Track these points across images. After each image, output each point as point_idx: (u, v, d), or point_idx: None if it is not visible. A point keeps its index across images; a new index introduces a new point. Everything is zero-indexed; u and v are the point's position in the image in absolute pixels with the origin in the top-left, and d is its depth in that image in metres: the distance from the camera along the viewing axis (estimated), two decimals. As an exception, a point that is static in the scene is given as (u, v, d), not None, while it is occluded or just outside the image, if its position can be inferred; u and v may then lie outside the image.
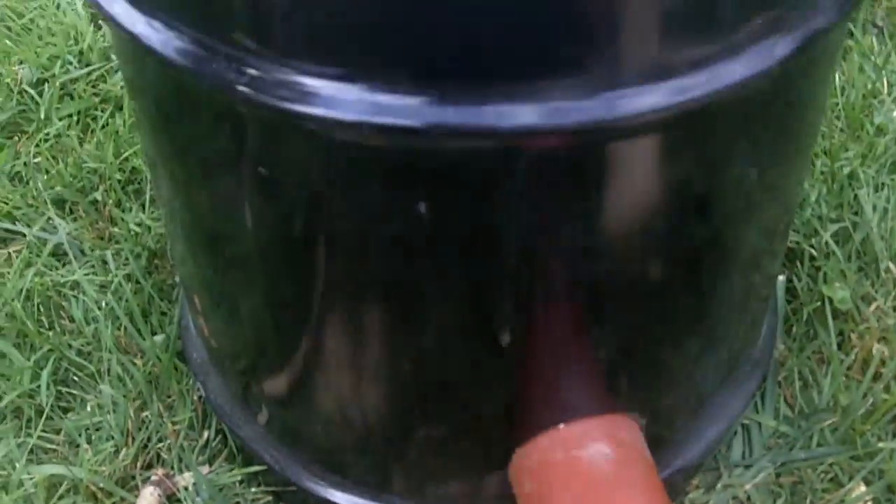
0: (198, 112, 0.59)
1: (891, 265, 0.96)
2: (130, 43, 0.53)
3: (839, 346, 0.92)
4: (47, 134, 1.13)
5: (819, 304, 0.93)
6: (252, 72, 0.48)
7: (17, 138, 1.15)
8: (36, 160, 1.12)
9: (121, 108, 1.15)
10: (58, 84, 1.18)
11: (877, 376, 0.90)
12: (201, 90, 0.53)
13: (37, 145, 1.13)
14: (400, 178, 0.52)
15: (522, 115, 0.44)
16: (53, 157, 1.11)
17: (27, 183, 1.10)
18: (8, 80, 1.19)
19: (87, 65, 1.20)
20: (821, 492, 0.85)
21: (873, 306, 0.94)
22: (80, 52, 1.21)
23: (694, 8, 0.44)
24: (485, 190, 0.51)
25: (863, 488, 0.85)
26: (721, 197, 0.60)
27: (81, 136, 1.13)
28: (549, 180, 0.51)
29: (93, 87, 1.18)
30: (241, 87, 0.49)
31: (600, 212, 0.54)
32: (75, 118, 1.14)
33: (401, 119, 0.44)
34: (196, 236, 0.73)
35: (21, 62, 1.22)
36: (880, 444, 0.85)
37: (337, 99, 0.46)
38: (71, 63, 1.20)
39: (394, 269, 0.60)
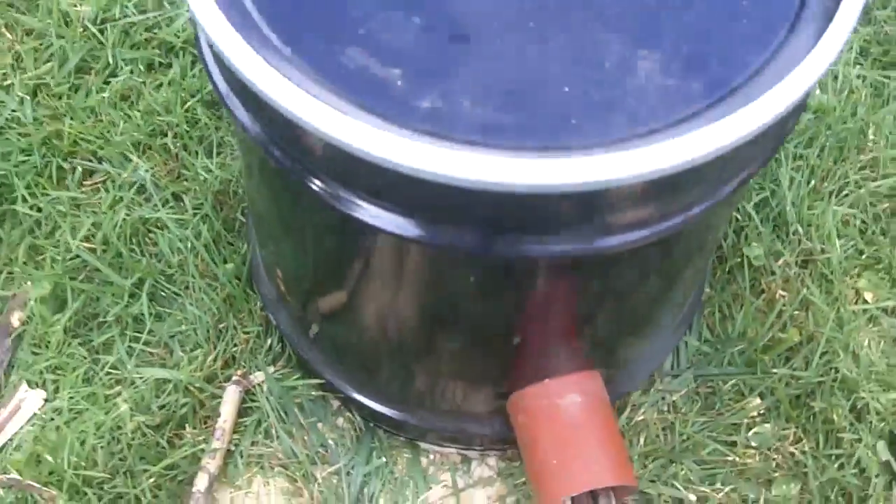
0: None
1: (798, 227, 1.25)
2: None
3: (751, 290, 1.22)
4: (115, 76, 1.34)
5: (739, 259, 1.22)
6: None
7: (86, 77, 1.36)
8: (104, 94, 1.33)
9: (177, 56, 1.35)
10: (119, 27, 1.37)
11: (780, 314, 1.20)
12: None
13: (105, 82, 1.34)
14: (461, 267, 0.80)
15: (544, 249, 0.71)
16: (124, 98, 1.33)
17: (101, 120, 1.32)
18: (73, 17, 1.38)
19: (143, 12, 1.39)
20: (727, 401, 1.17)
21: (781, 261, 1.23)
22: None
23: (654, 195, 0.70)
24: (518, 277, 0.80)
25: (758, 401, 1.16)
26: (674, 258, 0.89)
27: (145, 81, 1.34)
28: (558, 275, 0.80)
29: (148, 31, 1.38)
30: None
31: (592, 288, 0.85)
32: (139, 65, 1.35)
33: (468, 245, 0.71)
34: (279, 226, 0.98)
35: (81, 2, 1.41)
36: (774, 370, 1.16)
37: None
38: (127, 7, 1.39)
39: (446, 300, 0.88)
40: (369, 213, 0.72)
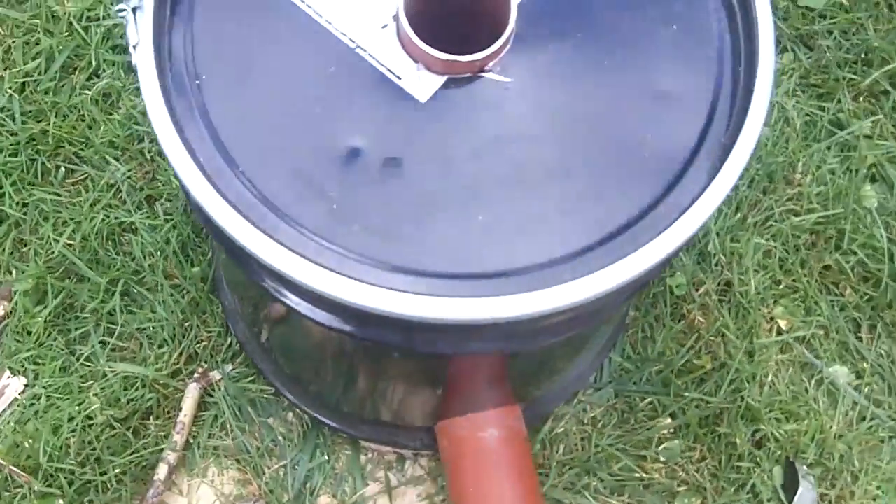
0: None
1: (721, 257, 1.35)
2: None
3: (671, 316, 1.33)
4: (98, 76, 1.43)
5: (663, 288, 1.32)
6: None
7: (71, 77, 1.44)
8: (87, 92, 1.42)
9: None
10: (103, 28, 1.45)
11: (697, 339, 1.31)
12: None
13: (89, 80, 1.43)
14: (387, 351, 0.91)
15: (458, 348, 0.82)
16: (106, 97, 1.42)
17: (83, 119, 1.41)
18: (60, 15, 1.46)
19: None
20: (642, 417, 1.29)
21: (702, 289, 1.33)
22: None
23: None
24: (438, 361, 0.91)
25: (669, 420, 1.28)
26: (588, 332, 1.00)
27: (125, 84, 1.43)
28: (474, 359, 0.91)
29: (132, 32, 1.46)
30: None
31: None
32: (120, 69, 1.43)
33: (392, 341, 0.81)
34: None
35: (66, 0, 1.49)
36: (685, 393, 1.28)
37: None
38: (110, 9, 1.47)
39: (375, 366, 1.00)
40: (304, 307, 0.80)
